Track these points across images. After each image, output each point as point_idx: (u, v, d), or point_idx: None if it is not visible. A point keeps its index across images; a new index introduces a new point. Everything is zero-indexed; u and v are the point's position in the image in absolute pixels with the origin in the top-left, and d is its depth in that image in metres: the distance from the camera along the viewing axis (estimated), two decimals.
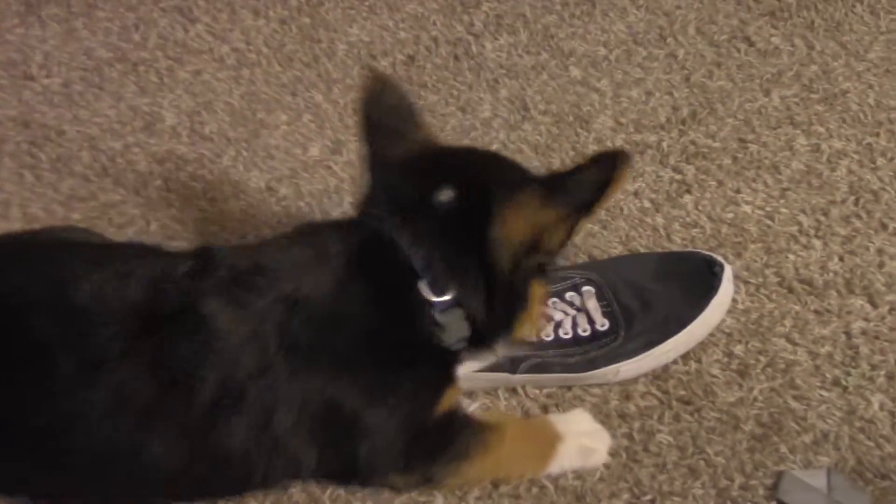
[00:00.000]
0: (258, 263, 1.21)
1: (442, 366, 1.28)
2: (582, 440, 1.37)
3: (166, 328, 1.18)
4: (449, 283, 1.21)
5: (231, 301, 1.19)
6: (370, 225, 1.23)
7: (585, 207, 1.19)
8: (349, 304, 1.21)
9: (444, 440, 1.30)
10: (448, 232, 1.21)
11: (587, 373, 1.43)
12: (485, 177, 1.24)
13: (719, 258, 1.48)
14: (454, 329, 1.23)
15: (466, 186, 1.22)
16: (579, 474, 1.35)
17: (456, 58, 1.91)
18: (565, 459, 1.36)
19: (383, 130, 1.29)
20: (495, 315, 1.25)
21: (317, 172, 1.73)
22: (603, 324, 1.43)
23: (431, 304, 1.22)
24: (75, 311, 1.19)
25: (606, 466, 1.36)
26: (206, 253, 1.24)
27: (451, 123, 1.80)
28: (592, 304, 1.44)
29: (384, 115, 1.30)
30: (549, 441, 1.36)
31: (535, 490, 1.34)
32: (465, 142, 1.76)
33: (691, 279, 1.47)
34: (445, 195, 1.21)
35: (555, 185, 1.20)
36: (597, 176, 1.17)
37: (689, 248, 1.58)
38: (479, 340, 1.26)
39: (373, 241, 1.22)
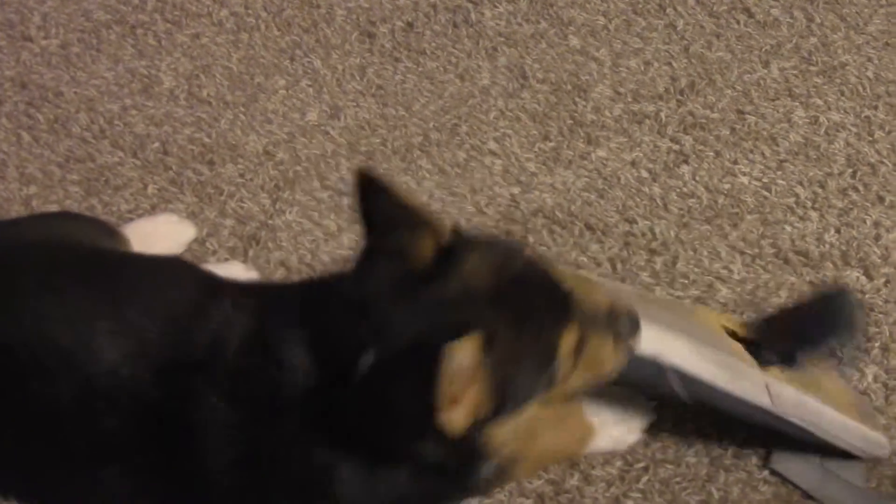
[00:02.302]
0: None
1: None
2: (612, 431, 1.37)
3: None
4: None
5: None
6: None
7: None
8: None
9: None
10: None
11: None
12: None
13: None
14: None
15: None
16: None
17: (455, 25, 1.91)
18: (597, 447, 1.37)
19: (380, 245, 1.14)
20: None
21: (314, 137, 1.73)
22: None
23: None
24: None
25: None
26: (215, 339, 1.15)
27: (449, 90, 1.80)
28: None
29: (382, 222, 1.14)
30: (581, 436, 1.36)
31: None
32: (464, 109, 1.76)
33: None
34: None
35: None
36: None
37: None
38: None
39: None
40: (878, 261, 1.54)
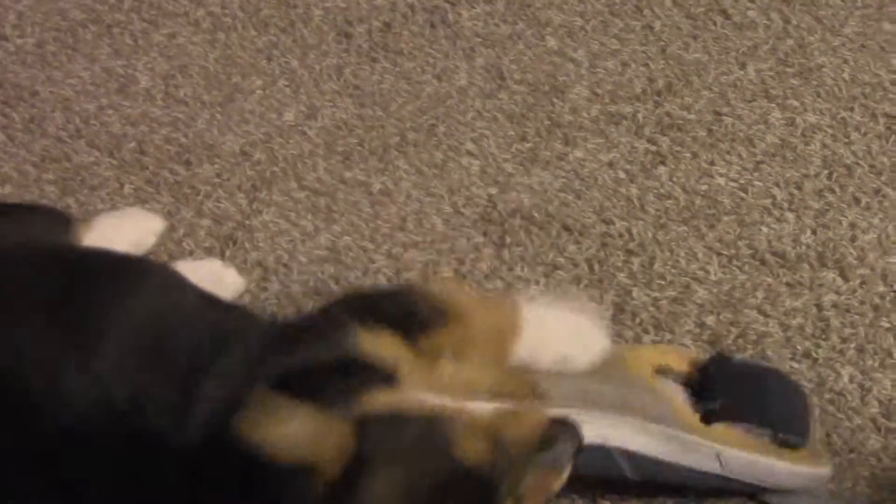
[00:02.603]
0: None
1: None
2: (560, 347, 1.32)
3: None
4: None
5: None
6: None
7: None
8: None
9: None
10: None
11: None
12: None
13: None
14: None
15: None
16: None
17: (432, 25, 1.91)
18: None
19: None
20: None
21: (291, 137, 1.72)
22: None
23: None
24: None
25: None
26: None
27: (426, 91, 1.79)
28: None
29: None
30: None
31: None
32: (441, 109, 1.76)
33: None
34: None
35: None
36: None
37: None
38: None
39: None
40: (854, 262, 1.55)
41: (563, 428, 1.12)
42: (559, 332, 1.29)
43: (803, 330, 1.48)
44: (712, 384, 1.31)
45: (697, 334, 1.48)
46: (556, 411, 1.16)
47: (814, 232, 1.59)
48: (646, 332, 1.48)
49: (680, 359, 1.35)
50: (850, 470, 1.35)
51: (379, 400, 1.08)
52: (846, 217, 1.60)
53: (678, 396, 1.30)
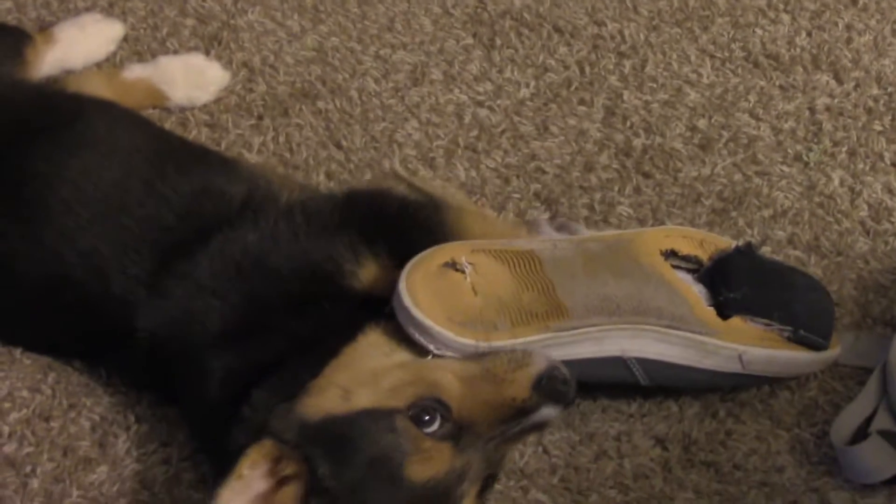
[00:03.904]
0: None
1: None
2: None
3: None
4: None
5: None
6: None
7: None
8: None
9: None
10: None
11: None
12: None
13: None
14: None
15: None
16: None
17: None
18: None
19: None
20: None
21: None
22: None
23: None
24: None
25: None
26: None
27: None
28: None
29: None
30: None
31: None
32: None
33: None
34: None
35: None
36: None
37: None
38: None
39: None
40: (849, 64, 1.53)
41: (543, 391, 1.10)
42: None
43: (795, 133, 1.47)
44: (734, 273, 1.26)
45: (688, 138, 1.46)
46: (561, 336, 1.16)
47: (809, 34, 1.56)
48: (636, 135, 1.46)
49: (688, 243, 1.29)
50: (837, 272, 1.35)
51: None
52: (842, 19, 1.58)
53: (693, 289, 1.25)
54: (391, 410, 1.08)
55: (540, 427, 1.13)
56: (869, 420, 1.22)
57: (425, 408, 1.08)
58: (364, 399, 1.09)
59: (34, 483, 1.21)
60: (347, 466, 1.05)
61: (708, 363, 1.22)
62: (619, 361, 1.20)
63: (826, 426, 1.25)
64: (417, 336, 1.13)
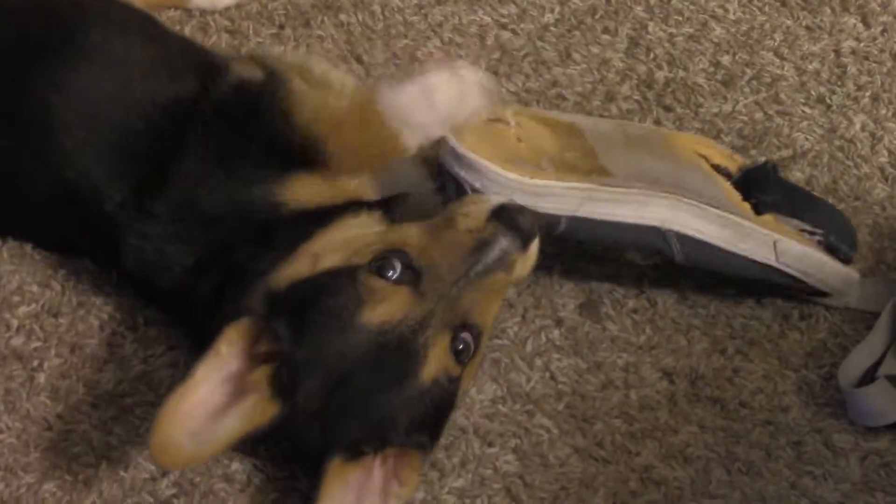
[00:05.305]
0: None
1: None
2: None
3: None
4: None
5: None
6: None
7: None
8: None
9: None
10: None
11: None
12: None
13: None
14: None
15: None
16: None
17: None
18: None
19: None
20: None
21: None
22: None
23: None
24: None
25: None
26: None
27: None
28: None
29: None
30: None
31: None
32: None
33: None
34: None
35: None
36: None
37: None
38: None
39: None
40: (878, 8, 1.51)
41: (500, 221, 1.09)
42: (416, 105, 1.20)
43: (819, 75, 1.46)
44: (765, 181, 1.28)
45: (711, 73, 1.45)
46: (605, 189, 1.16)
47: None
48: (659, 67, 1.45)
49: (719, 153, 1.31)
50: (854, 217, 1.35)
51: None
52: None
53: (728, 184, 1.27)
54: (354, 267, 1.07)
55: (504, 265, 1.09)
56: (877, 364, 1.22)
57: (387, 259, 1.07)
58: (329, 261, 1.08)
59: (41, 377, 1.22)
60: (306, 326, 1.05)
61: (743, 247, 1.22)
62: (657, 232, 1.21)
63: (833, 369, 1.26)
64: (463, 174, 1.14)
